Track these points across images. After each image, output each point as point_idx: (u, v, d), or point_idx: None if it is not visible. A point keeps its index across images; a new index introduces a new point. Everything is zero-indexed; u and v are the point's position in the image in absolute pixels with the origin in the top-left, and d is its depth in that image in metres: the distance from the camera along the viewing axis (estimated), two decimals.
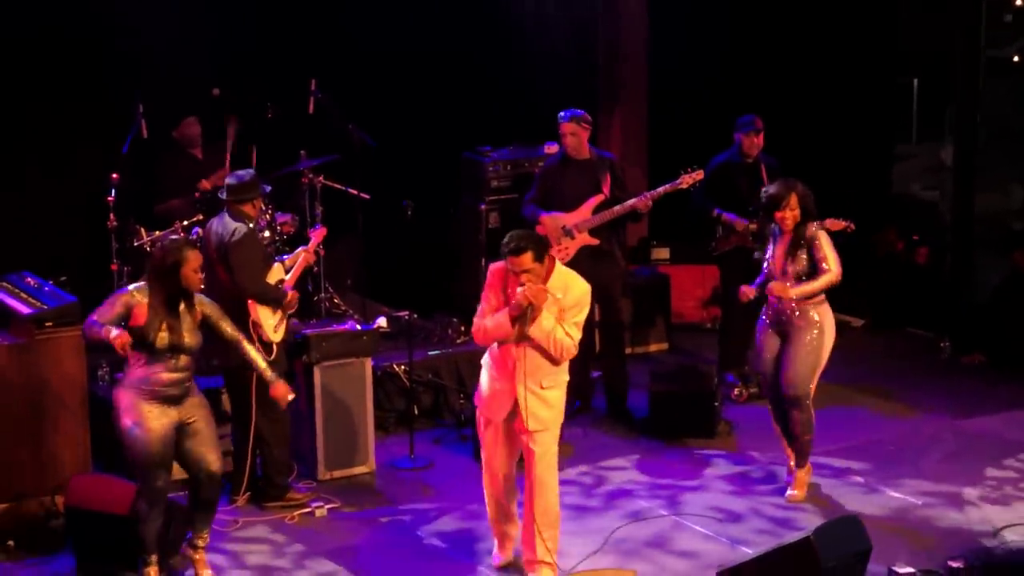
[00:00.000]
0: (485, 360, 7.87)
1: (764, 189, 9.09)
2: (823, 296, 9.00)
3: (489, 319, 7.65)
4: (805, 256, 8.91)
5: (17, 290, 9.22)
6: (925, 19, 12.92)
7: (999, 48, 12.96)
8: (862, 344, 12.63)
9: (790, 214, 8.86)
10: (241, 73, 11.35)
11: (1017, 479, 9.49)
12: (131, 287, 7.75)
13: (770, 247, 9.04)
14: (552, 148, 11.29)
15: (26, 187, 11.10)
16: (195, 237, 10.25)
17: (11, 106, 10.91)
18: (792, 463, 9.18)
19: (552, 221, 10.44)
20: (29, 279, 9.36)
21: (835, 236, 10.62)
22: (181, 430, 7.76)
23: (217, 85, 11.22)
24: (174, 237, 7.87)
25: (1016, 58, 13.29)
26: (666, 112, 13.02)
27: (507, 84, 12.37)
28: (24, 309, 8.95)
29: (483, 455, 8.04)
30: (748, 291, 9.12)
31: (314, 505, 9.06)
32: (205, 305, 7.84)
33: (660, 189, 10.35)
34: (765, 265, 9.06)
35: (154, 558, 7.85)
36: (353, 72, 11.86)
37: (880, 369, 11.88)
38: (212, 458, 7.83)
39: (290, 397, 8.17)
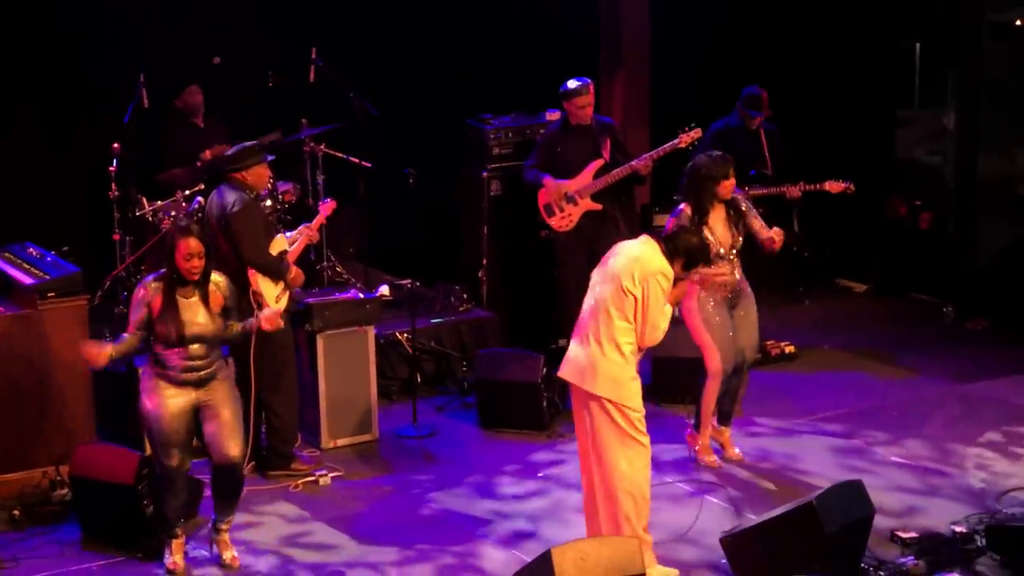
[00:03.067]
0: (636, 361, 7.66)
1: (692, 163, 8.91)
2: None
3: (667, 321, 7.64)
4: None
5: (19, 260, 9.22)
6: None
7: (1001, 12, 12.89)
8: (865, 309, 12.63)
9: (729, 184, 8.83)
10: (242, 41, 11.32)
11: (1021, 443, 9.50)
12: (148, 278, 7.72)
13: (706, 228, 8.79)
14: (553, 115, 11.28)
15: (28, 158, 11.08)
16: (196, 207, 10.26)
17: (12, 76, 10.88)
18: (706, 435, 9.21)
19: (555, 187, 10.49)
20: (31, 249, 9.36)
21: (836, 198, 10.68)
22: (201, 412, 7.72)
23: (217, 54, 11.20)
24: (180, 222, 7.79)
25: (1019, 22, 13.20)
26: (668, 76, 12.97)
27: (508, 50, 12.33)
28: (26, 279, 8.95)
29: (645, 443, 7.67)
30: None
31: (318, 474, 9.08)
32: (222, 291, 7.70)
33: (659, 149, 10.36)
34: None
35: (180, 531, 7.88)
36: (354, 40, 11.82)
37: (883, 334, 11.87)
38: (229, 444, 7.72)
39: (279, 318, 8.06)
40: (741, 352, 9.07)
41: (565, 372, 7.72)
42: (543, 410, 9.82)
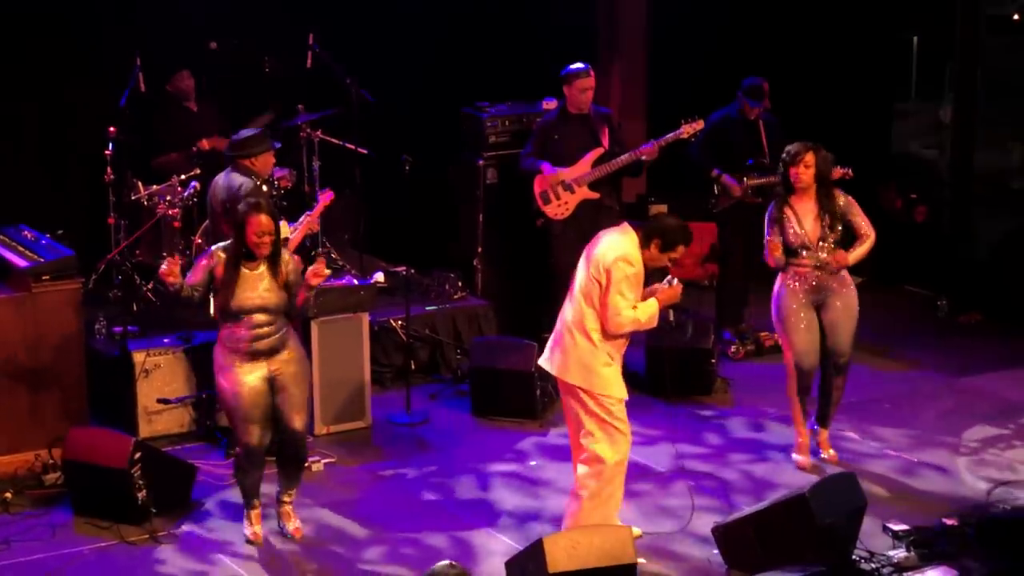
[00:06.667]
0: (610, 348, 7.61)
1: (787, 149, 8.87)
2: None
3: (640, 312, 7.53)
4: (840, 225, 8.81)
5: (14, 243, 9.21)
6: None
7: (999, 6, 12.92)
8: (860, 302, 12.56)
9: (804, 171, 8.73)
10: (239, 26, 11.30)
11: (1013, 437, 9.51)
12: (215, 247, 7.75)
13: (792, 218, 8.76)
14: (550, 103, 11.27)
15: (23, 141, 11.09)
16: (192, 191, 10.25)
17: (9, 60, 10.87)
18: (804, 432, 9.09)
19: (551, 174, 10.48)
20: (26, 232, 9.35)
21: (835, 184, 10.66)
22: (273, 383, 7.79)
23: (214, 39, 11.18)
24: (250, 199, 7.79)
25: (1016, 16, 13.25)
26: (666, 66, 12.97)
27: (506, 38, 12.32)
28: (21, 262, 8.94)
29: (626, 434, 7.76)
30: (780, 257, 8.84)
31: (311, 460, 9.06)
32: (289, 269, 7.73)
33: (662, 139, 10.34)
34: (790, 236, 8.74)
35: (256, 511, 8.00)
36: (352, 26, 11.81)
37: (877, 327, 11.80)
38: (293, 416, 7.84)
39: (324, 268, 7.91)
40: (832, 354, 8.90)
41: (543, 361, 7.82)
42: (536, 398, 9.82)
